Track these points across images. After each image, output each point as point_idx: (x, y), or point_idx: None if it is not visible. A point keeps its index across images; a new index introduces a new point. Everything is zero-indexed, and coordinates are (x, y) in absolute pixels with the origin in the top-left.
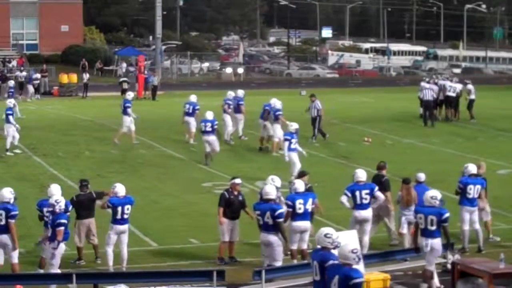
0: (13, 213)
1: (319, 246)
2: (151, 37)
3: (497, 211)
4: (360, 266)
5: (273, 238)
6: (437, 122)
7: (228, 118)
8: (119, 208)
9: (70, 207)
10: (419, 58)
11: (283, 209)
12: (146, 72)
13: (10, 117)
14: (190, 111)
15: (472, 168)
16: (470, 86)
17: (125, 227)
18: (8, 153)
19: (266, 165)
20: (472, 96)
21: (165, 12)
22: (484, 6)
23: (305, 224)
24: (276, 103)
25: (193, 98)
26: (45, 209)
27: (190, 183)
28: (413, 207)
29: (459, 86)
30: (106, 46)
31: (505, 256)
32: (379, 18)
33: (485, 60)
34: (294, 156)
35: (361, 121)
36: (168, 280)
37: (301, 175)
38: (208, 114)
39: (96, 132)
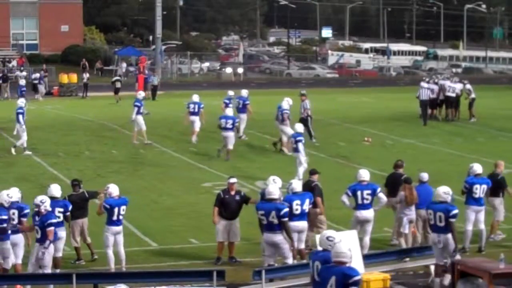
0: (26, 211)
1: (320, 248)
2: (151, 37)
3: None
4: (360, 266)
5: (279, 238)
6: (437, 122)
7: None
8: (115, 209)
9: (70, 207)
10: (419, 58)
11: (287, 209)
12: (146, 72)
13: (20, 116)
14: (196, 110)
15: (477, 168)
16: (468, 86)
17: (120, 227)
18: (26, 152)
19: (266, 165)
20: (473, 96)
21: (165, 12)
22: (484, 6)
23: (302, 224)
24: (283, 103)
25: (196, 97)
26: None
27: (190, 183)
28: (413, 207)
29: (459, 86)
30: (106, 46)
31: (505, 256)
32: (379, 18)
33: (485, 60)
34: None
35: (361, 121)
36: (168, 280)
37: (312, 173)
38: (229, 111)
39: (96, 132)
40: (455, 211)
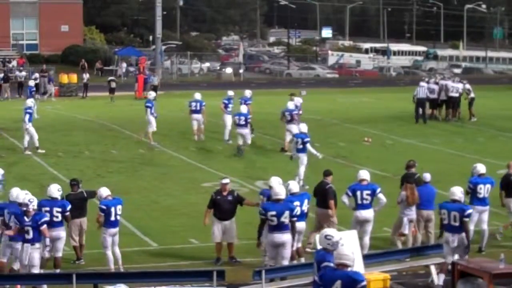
0: (68, 207)
1: (320, 247)
2: (151, 37)
3: (497, 211)
4: (360, 266)
5: (288, 238)
6: (437, 122)
7: (227, 119)
8: (112, 209)
9: (69, 207)
10: (419, 58)
11: (298, 208)
12: (146, 72)
13: (27, 116)
14: (198, 108)
15: (480, 168)
16: (468, 86)
17: (117, 229)
18: (39, 151)
19: (266, 165)
20: (472, 95)
21: (165, 12)
22: (484, 6)
23: (301, 225)
24: (289, 103)
25: (198, 96)
26: (43, 209)
27: (190, 183)
28: (414, 207)
29: (461, 86)
30: (106, 46)
31: (505, 256)
32: (379, 18)
33: (485, 60)
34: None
35: (361, 121)
36: (168, 280)
37: (327, 174)
38: (243, 108)
39: (96, 132)
40: (470, 211)
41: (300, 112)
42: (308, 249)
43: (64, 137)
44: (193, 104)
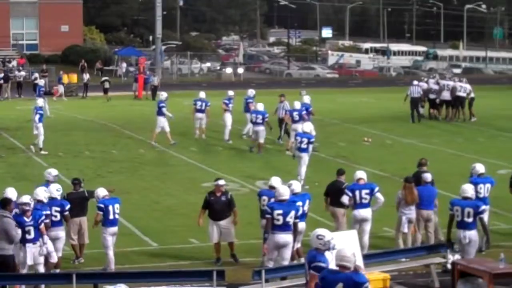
0: (67, 207)
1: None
2: (151, 37)
3: (497, 211)
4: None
5: (291, 238)
6: (437, 122)
7: (227, 119)
8: (110, 207)
9: (68, 206)
10: (419, 58)
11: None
12: (146, 72)
13: (38, 116)
14: (203, 107)
15: (480, 168)
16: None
17: (116, 228)
18: (42, 152)
19: (266, 164)
20: (472, 95)
21: (165, 12)
22: (484, 6)
23: (300, 225)
24: (296, 102)
25: (202, 94)
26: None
27: (190, 183)
28: (413, 206)
29: (469, 86)
30: (106, 46)
31: (505, 256)
32: (379, 18)
33: (485, 60)
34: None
35: (361, 121)
36: (168, 280)
37: (341, 173)
38: (259, 106)
39: (96, 132)
40: (483, 207)
41: (311, 109)
42: None
43: (64, 137)
44: (199, 103)
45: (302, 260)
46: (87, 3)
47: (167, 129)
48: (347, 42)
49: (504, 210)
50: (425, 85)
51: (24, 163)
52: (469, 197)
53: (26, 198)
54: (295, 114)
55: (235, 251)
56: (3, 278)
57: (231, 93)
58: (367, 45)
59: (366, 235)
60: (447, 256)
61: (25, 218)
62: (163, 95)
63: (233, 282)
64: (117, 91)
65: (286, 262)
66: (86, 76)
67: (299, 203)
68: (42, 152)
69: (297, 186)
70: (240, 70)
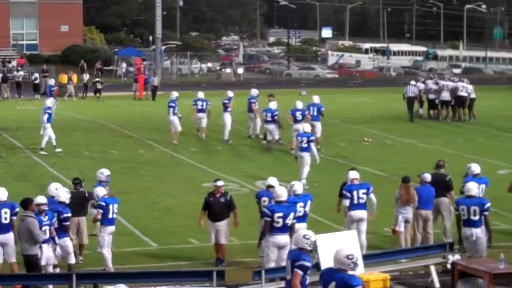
0: (64, 215)
1: (294, 246)
2: (151, 37)
3: (497, 211)
4: (360, 266)
5: (289, 239)
6: (437, 122)
7: (227, 119)
8: (110, 207)
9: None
10: (419, 58)
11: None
12: (146, 72)
13: (46, 116)
14: (204, 107)
15: (475, 168)
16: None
17: (114, 227)
18: (42, 152)
19: (267, 164)
20: (473, 96)
21: (165, 12)
22: (484, 6)
23: (302, 226)
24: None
25: (201, 95)
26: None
27: (190, 183)
28: (410, 206)
29: (470, 87)
30: (106, 46)
31: (505, 256)
32: (379, 18)
33: (485, 60)
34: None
35: (361, 121)
36: (168, 280)
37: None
38: (272, 104)
39: (96, 132)
40: (489, 204)
41: (323, 109)
42: None
43: (64, 137)
44: (199, 103)
45: None
46: (87, 3)
47: (179, 129)
48: (347, 42)
49: (504, 210)
50: (422, 86)
51: (24, 163)
52: (474, 196)
53: (42, 199)
54: (298, 114)
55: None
56: (3, 278)
57: (230, 93)
58: (367, 45)
59: (363, 234)
60: (447, 256)
61: (42, 218)
62: (174, 94)
63: (233, 282)
64: (117, 91)
65: (285, 263)
66: (86, 76)
67: (300, 204)
68: (42, 152)
69: (299, 187)
70: (240, 70)
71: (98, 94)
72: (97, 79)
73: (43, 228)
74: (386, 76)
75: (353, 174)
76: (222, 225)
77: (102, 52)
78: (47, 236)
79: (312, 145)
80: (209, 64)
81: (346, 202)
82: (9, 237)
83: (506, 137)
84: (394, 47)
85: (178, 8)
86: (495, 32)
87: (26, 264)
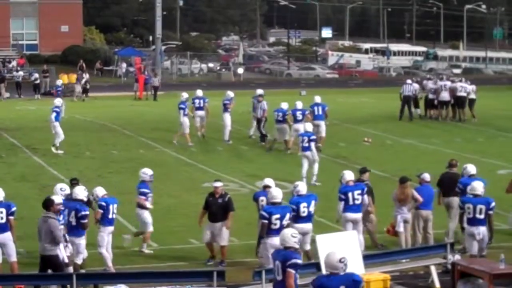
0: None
1: (281, 247)
2: (151, 37)
3: (498, 212)
4: (360, 267)
5: None
6: (437, 122)
7: (227, 119)
8: (110, 206)
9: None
10: (419, 58)
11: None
12: (146, 72)
13: (54, 114)
14: (201, 105)
15: (471, 169)
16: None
17: (113, 227)
18: (54, 151)
19: (266, 165)
20: (473, 96)
21: (165, 13)
22: (484, 6)
23: (307, 226)
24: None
25: (200, 92)
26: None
27: (190, 183)
28: (409, 206)
29: (470, 87)
30: (106, 47)
31: (505, 256)
32: (379, 18)
33: (485, 61)
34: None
35: (361, 122)
36: (168, 281)
37: (363, 171)
38: (283, 105)
39: (96, 132)
40: (494, 203)
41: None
42: None
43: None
44: (197, 101)
45: (313, 261)
46: (87, 3)
47: (187, 131)
48: (347, 42)
49: (504, 210)
50: (416, 85)
51: (24, 164)
52: (479, 194)
53: (59, 199)
54: (299, 113)
55: (225, 257)
56: (3, 278)
57: (231, 94)
58: (367, 45)
59: (361, 234)
60: (447, 257)
61: (59, 218)
62: (183, 96)
63: (233, 283)
64: (117, 92)
65: None
66: (86, 76)
67: (304, 204)
68: (58, 151)
69: (302, 187)
70: (240, 71)
71: (84, 95)
72: (86, 79)
73: (60, 228)
74: (386, 76)
75: (349, 176)
76: (219, 226)
77: (102, 52)
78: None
79: (312, 144)
80: (211, 64)
81: (341, 204)
82: (7, 236)
83: (506, 137)
84: (394, 47)
85: (178, 8)
86: (495, 32)
87: (45, 265)
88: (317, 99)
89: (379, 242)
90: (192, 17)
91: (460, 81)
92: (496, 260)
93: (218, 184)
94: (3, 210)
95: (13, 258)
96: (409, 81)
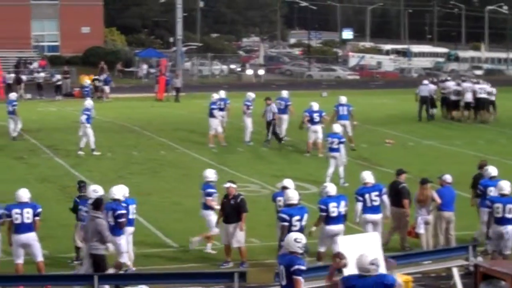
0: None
1: (285, 251)
2: (171, 39)
3: None
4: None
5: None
6: (459, 123)
7: (248, 120)
8: (129, 207)
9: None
10: (441, 59)
11: None
12: (167, 74)
13: (84, 117)
14: (222, 106)
15: (492, 171)
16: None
17: (133, 228)
18: (79, 153)
19: (288, 166)
20: (492, 98)
21: (185, 14)
22: (505, 7)
23: (338, 227)
24: (314, 104)
25: (222, 93)
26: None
27: None
28: (428, 208)
29: (488, 88)
30: (126, 48)
31: None
32: (400, 19)
33: (507, 62)
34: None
35: (382, 123)
36: (189, 282)
37: (399, 173)
38: (315, 105)
39: (117, 133)
40: None
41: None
42: None
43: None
44: (218, 102)
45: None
46: (107, 5)
47: (220, 130)
48: (368, 44)
49: None
50: (433, 86)
51: (46, 165)
52: (507, 194)
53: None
54: (316, 115)
55: (245, 258)
56: (20, 278)
57: (252, 95)
58: (388, 47)
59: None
60: (469, 258)
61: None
62: (214, 96)
63: (254, 284)
64: (137, 93)
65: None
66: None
67: (333, 204)
68: (95, 152)
69: (332, 188)
70: (261, 72)
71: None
72: (96, 77)
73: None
74: (407, 78)
75: (367, 177)
76: (231, 228)
77: (123, 53)
78: None
79: (342, 146)
80: (232, 66)
81: (359, 205)
82: (32, 237)
83: None
84: (415, 48)
85: (198, 10)
86: None
87: (93, 263)
88: (343, 99)
89: (393, 244)
90: (213, 18)
91: (478, 82)
92: None
93: (228, 184)
94: (30, 210)
95: (40, 258)
96: (425, 81)
